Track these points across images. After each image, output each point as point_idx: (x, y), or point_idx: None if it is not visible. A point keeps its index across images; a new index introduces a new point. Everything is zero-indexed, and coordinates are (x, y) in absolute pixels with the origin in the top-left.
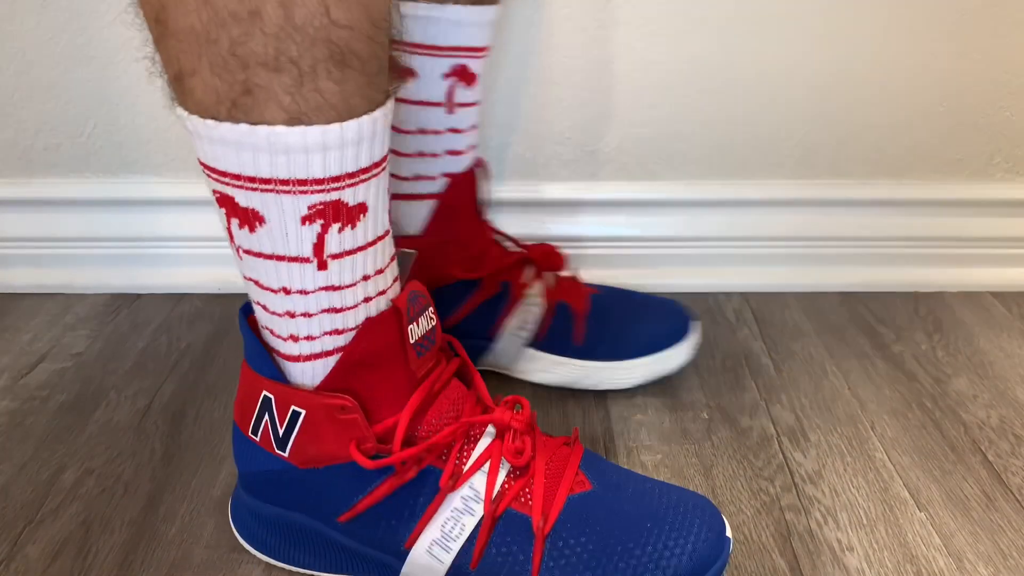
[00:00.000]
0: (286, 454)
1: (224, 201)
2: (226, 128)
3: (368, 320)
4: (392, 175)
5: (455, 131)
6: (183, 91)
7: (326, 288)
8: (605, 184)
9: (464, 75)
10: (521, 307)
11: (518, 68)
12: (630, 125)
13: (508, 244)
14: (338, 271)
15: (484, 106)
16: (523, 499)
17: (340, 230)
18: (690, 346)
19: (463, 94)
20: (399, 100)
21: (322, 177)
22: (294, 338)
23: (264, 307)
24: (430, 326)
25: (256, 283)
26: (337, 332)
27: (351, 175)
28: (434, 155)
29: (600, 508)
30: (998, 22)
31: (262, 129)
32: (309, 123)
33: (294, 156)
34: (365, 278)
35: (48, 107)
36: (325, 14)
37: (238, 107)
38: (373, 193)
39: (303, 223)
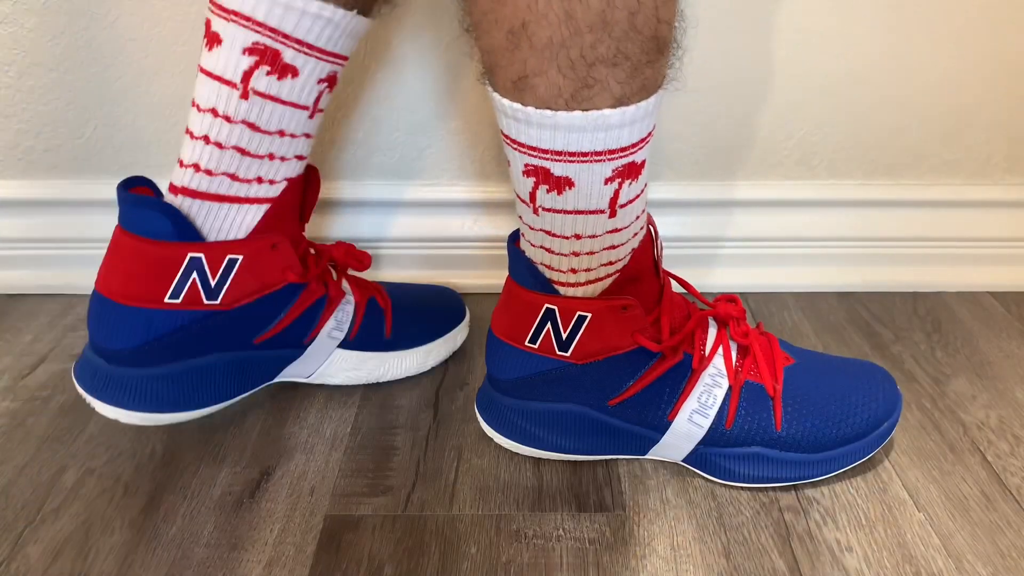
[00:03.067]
0: (568, 354)
1: (536, 172)
2: (562, 116)
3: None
4: (228, 175)
5: (308, 136)
6: (524, 88)
7: (611, 232)
8: None
9: (333, 82)
10: (338, 309)
11: None
12: None
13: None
14: (622, 216)
15: (485, 107)
16: (753, 372)
17: (630, 184)
18: (464, 327)
19: (325, 99)
20: (269, 98)
21: (627, 145)
22: (573, 271)
23: (548, 249)
24: (661, 244)
25: (548, 232)
26: (611, 263)
27: (643, 139)
28: (283, 159)
29: (807, 374)
30: (998, 22)
31: (593, 114)
32: (629, 104)
33: (612, 132)
34: (637, 218)
35: (48, 108)
36: (655, 15)
37: (576, 99)
38: (649, 149)
39: (605, 184)
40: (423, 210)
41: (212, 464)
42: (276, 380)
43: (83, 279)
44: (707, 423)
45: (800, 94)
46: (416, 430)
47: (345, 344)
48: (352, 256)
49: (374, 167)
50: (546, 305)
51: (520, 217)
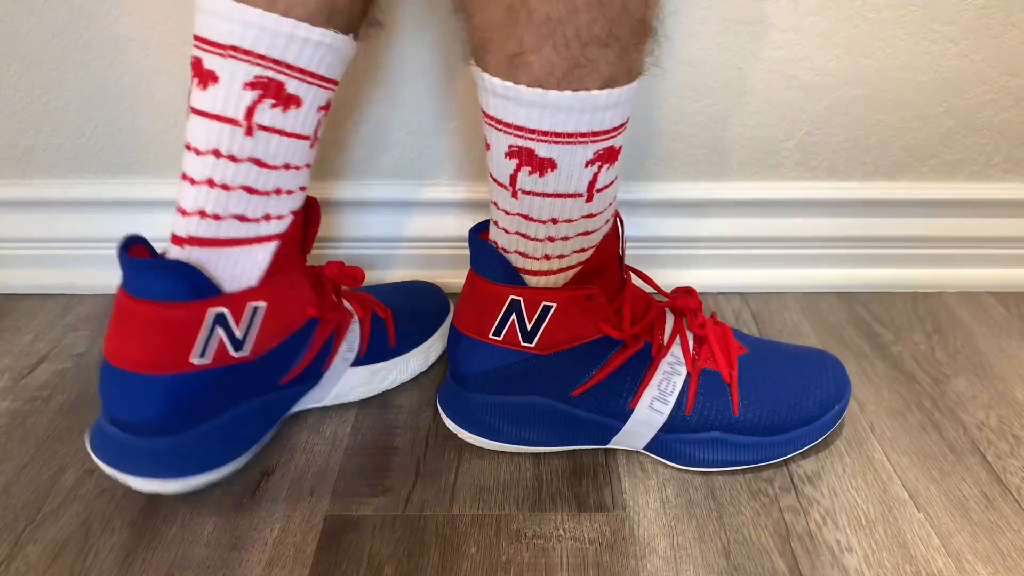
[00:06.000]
0: (532, 344)
1: (520, 154)
2: (552, 95)
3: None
4: (236, 216)
5: (309, 166)
6: (518, 66)
7: (586, 216)
8: None
9: (328, 109)
10: (347, 331)
11: None
12: (629, 126)
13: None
14: (598, 201)
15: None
16: (709, 360)
17: (607, 169)
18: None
19: (322, 127)
20: (275, 132)
21: (609, 128)
22: (547, 257)
23: (523, 235)
24: (625, 238)
25: (525, 217)
26: (583, 250)
27: (623, 124)
28: (290, 192)
29: (761, 362)
30: (998, 23)
31: (582, 94)
32: (615, 86)
33: (597, 114)
34: (610, 204)
35: (48, 108)
36: (644, 1)
37: (567, 79)
38: (625, 136)
39: (586, 167)
40: (423, 210)
41: None
42: (293, 410)
43: (83, 279)
44: (667, 409)
45: (800, 94)
46: (416, 430)
47: (355, 362)
48: (345, 274)
49: (374, 167)
50: (511, 296)
51: (495, 203)
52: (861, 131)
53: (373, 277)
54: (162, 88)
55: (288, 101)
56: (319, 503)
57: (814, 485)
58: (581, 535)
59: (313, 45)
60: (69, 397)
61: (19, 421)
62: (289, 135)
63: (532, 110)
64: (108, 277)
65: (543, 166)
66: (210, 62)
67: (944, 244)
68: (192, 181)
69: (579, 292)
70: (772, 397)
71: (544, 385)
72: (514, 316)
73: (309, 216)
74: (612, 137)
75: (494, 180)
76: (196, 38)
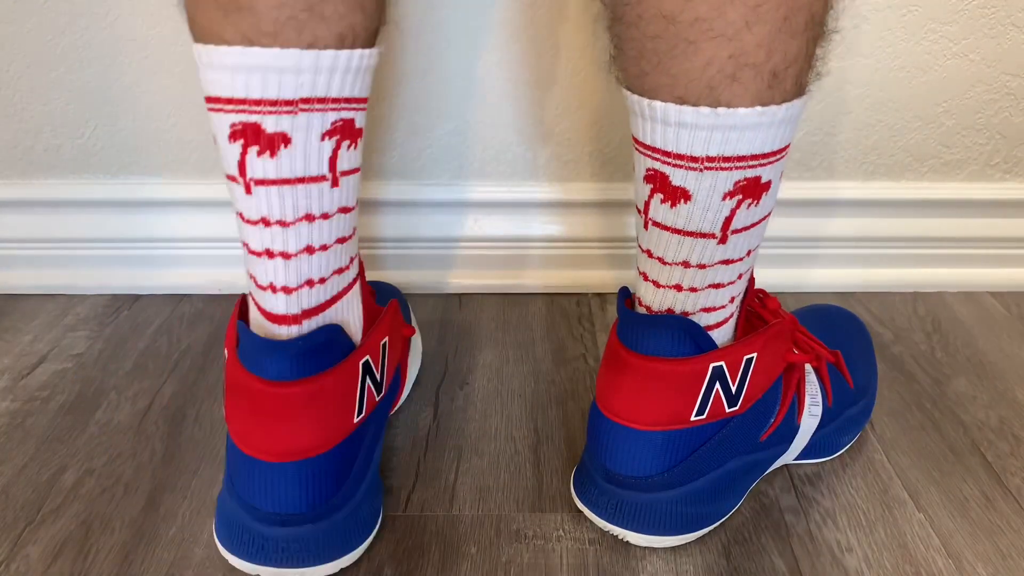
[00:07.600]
0: (737, 407)
1: (745, 188)
2: (796, 106)
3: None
4: (336, 271)
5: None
6: (775, 84)
7: (723, 262)
8: (606, 184)
9: (350, 133)
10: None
11: (519, 69)
12: (624, 127)
13: None
14: (734, 245)
15: (485, 107)
16: (811, 347)
17: (748, 207)
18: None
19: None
20: (347, 173)
21: (758, 153)
22: (732, 300)
23: (717, 285)
24: None
25: (726, 263)
26: (734, 299)
27: (777, 152)
28: (355, 228)
29: (817, 332)
30: (998, 23)
31: (804, 97)
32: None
33: (796, 121)
34: (748, 253)
35: (48, 108)
36: None
37: (800, 83)
38: (776, 173)
39: (724, 199)
40: (423, 210)
41: (212, 464)
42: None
43: (83, 279)
44: (819, 410)
45: None
46: (416, 430)
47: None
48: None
49: (374, 167)
50: (711, 364)
51: (684, 263)
52: (861, 131)
53: (374, 278)
54: (162, 88)
55: (356, 136)
56: None
57: (814, 485)
58: (581, 535)
59: (365, 71)
60: (69, 397)
61: (19, 421)
62: (357, 170)
63: (772, 130)
64: (107, 277)
65: (760, 192)
66: (276, 124)
67: (944, 244)
68: (286, 256)
69: (775, 328)
70: (850, 358)
71: (739, 444)
72: (718, 385)
73: None
74: (752, 167)
75: (695, 235)
76: (243, 102)
